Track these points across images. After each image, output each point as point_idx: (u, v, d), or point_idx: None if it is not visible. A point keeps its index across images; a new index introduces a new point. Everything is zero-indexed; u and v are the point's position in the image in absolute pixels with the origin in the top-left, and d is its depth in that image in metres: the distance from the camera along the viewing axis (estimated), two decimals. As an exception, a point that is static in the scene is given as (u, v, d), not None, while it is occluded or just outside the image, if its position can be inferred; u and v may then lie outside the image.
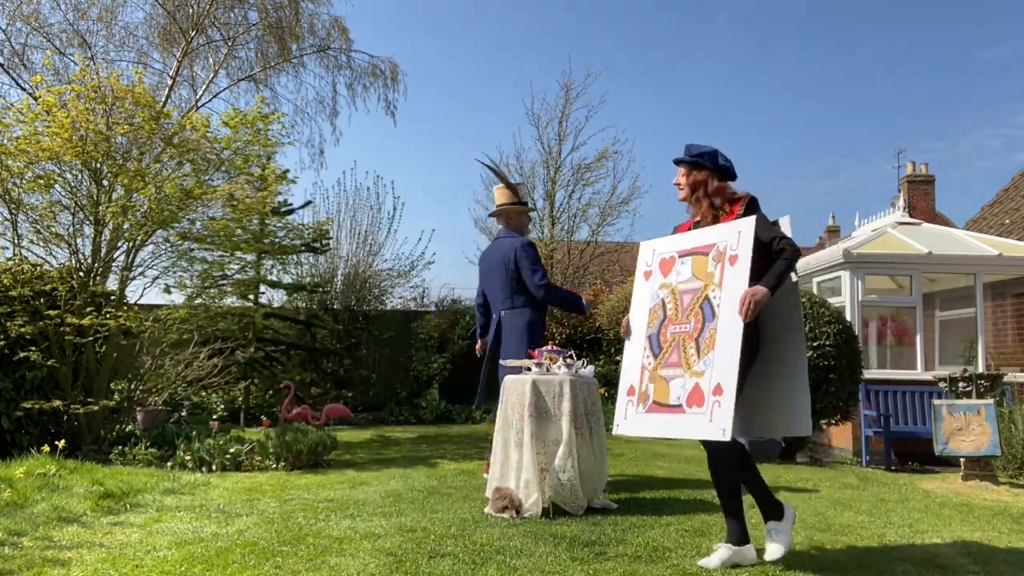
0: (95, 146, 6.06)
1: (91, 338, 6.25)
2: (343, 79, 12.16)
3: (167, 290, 7.03)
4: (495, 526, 3.66)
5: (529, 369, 4.24)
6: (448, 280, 39.39)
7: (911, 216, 11.33)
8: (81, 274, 6.41)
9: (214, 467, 5.57)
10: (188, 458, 5.62)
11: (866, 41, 48.59)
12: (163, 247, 6.96)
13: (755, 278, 2.97)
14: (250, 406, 9.90)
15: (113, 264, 6.79)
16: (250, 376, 9.79)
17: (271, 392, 10.10)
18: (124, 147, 6.53)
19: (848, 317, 7.48)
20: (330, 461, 6.00)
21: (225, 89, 11.45)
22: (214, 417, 8.89)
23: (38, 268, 6.43)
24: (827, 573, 2.97)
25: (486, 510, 3.99)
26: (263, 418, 8.71)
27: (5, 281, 6.06)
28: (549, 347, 4.35)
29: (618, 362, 10.36)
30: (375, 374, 11.58)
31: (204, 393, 9.14)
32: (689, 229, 3.32)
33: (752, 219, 3.02)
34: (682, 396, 3.02)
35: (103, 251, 6.56)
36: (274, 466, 5.65)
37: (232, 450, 5.67)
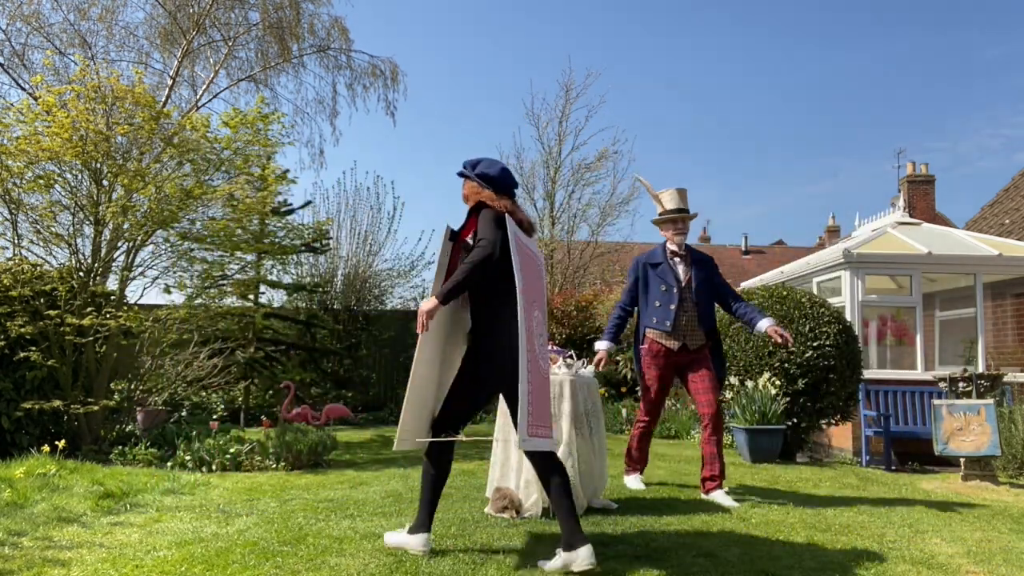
0: (95, 146, 6.06)
1: (91, 338, 6.25)
2: (343, 79, 12.18)
3: (167, 290, 7.03)
4: (495, 526, 3.66)
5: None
6: (448, 280, 39.18)
7: (911, 216, 11.32)
8: (81, 274, 6.42)
9: (214, 467, 5.57)
10: (188, 458, 5.63)
11: (868, 41, 48.60)
12: (163, 247, 6.97)
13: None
14: (250, 406, 9.90)
15: (113, 264, 6.79)
16: (250, 376, 9.79)
17: (271, 392, 10.11)
18: (124, 147, 6.53)
19: (848, 317, 7.48)
20: (330, 461, 6.01)
21: (225, 89, 11.46)
22: (214, 417, 8.89)
23: (38, 268, 6.43)
24: (827, 573, 2.97)
25: (486, 510, 3.99)
26: (263, 418, 8.71)
27: (5, 281, 6.06)
28: (549, 347, 4.35)
29: (618, 362, 10.38)
30: (375, 374, 11.59)
31: (204, 393, 9.14)
32: None
33: (446, 226, 3.23)
34: None
35: (103, 251, 6.56)
36: (274, 466, 5.66)
37: (232, 450, 5.68)
